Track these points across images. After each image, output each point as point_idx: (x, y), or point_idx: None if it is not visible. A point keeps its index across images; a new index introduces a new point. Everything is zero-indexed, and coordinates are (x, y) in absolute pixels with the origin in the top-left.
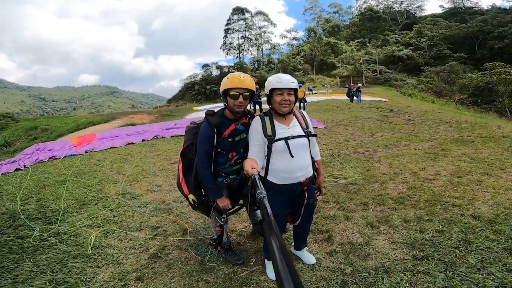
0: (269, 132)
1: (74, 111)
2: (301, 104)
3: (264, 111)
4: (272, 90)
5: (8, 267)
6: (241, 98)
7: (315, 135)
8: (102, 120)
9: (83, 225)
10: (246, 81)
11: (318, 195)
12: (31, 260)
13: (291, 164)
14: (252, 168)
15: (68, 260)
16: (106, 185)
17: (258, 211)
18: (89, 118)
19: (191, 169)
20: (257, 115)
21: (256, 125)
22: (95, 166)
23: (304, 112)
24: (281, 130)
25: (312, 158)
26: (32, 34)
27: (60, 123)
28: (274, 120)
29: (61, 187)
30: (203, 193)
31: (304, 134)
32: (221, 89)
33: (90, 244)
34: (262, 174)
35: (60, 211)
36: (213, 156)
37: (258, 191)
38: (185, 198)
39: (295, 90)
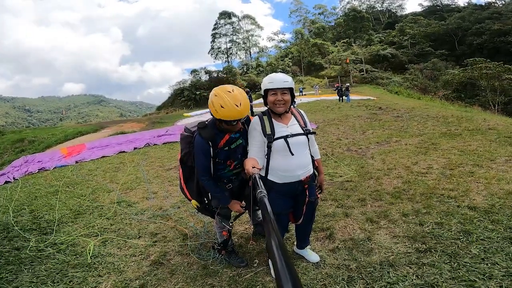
0: (268, 131)
1: (60, 122)
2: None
3: (255, 114)
4: (266, 91)
5: (7, 278)
6: (239, 124)
7: (314, 133)
8: (91, 130)
9: (80, 235)
10: (244, 110)
11: (319, 193)
12: (30, 271)
13: (292, 162)
14: (252, 167)
15: (68, 270)
16: (100, 194)
17: (259, 212)
18: (77, 128)
19: (191, 176)
20: (255, 115)
21: (255, 125)
22: (87, 176)
23: (302, 111)
24: (280, 128)
25: (312, 157)
26: (12, 43)
27: (47, 134)
28: (273, 119)
29: (53, 198)
30: (206, 200)
31: (303, 132)
32: (217, 116)
33: (89, 253)
34: (263, 173)
35: (54, 222)
36: (212, 166)
37: (258, 190)
38: (189, 201)
39: (291, 89)
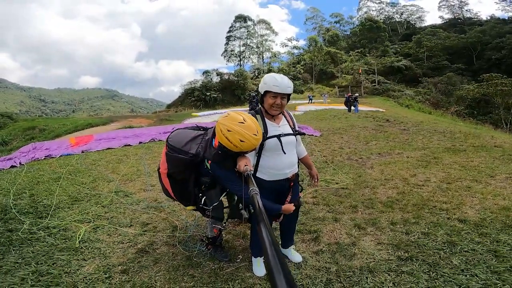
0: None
1: (73, 113)
2: None
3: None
4: (266, 91)
5: None
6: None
7: (303, 134)
8: (101, 122)
9: (73, 220)
10: (261, 136)
11: (315, 181)
12: (17, 252)
13: (282, 161)
14: (245, 166)
15: (54, 252)
16: (100, 183)
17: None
18: (88, 120)
19: (181, 189)
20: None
21: None
22: (90, 166)
23: (291, 113)
24: (273, 128)
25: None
26: (36, 33)
27: (58, 124)
28: (265, 119)
29: (54, 184)
30: (200, 205)
31: (292, 132)
32: (235, 150)
33: (78, 237)
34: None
35: (51, 206)
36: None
37: (251, 188)
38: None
39: (289, 94)
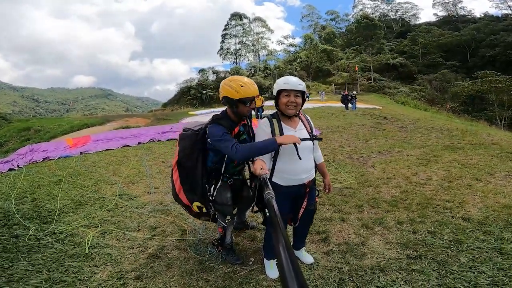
0: (277, 134)
1: (67, 113)
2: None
3: (264, 116)
4: (279, 92)
5: (3, 265)
6: (253, 104)
7: (320, 139)
8: (97, 123)
9: (79, 225)
10: (257, 88)
11: (327, 191)
12: (26, 259)
13: (298, 166)
14: (261, 169)
15: (64, 259)
16: (102, 186)
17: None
18: (83, 120)
19: (189, 178)
20: (264, 117)
21: (264, 126)
22: (90, 168)
23: (308, 117)
24: (289, 132)
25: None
26: (29, 33)
27: (53, 125)
28: (282, 122)
29: (56, 188)
30: (210, 198)
31: (309, 137)
32: (237, 96)
33: (87, 243)
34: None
35: (55, 211)
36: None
37: (266, 192)
38: (184, 208)
39: (303, 93)
